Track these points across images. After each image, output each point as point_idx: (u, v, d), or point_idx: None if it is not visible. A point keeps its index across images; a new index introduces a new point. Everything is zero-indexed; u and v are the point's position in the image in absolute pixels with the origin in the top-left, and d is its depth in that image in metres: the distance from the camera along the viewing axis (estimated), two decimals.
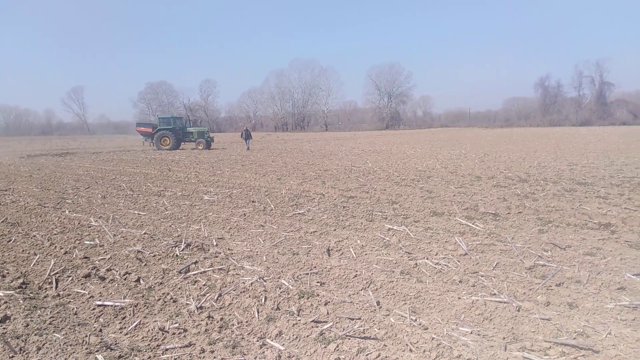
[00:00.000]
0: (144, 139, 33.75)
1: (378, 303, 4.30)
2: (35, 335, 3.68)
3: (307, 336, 3.68)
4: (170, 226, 7.57)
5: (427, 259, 5.53)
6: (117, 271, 5.27)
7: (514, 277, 4.87)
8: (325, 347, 3.49)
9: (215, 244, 6.39)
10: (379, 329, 3.78)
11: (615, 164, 15.43)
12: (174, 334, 3.76)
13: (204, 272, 5.24)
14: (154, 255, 5.86)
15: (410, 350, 3.42)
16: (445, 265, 5.31)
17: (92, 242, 6.52)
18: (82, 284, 4.92)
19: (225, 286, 4.79)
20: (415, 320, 3.92)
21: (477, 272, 5.07)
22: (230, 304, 4.37)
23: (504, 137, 42.76)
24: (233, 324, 3.93)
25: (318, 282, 4.90)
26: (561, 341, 3.44)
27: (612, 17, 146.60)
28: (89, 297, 4.54)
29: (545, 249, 5.84)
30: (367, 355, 3.34)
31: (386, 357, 3.33)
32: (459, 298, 4.34)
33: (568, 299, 4.28)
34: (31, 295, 4.63)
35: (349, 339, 3.61)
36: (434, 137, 49.72)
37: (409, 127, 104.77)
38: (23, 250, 6.23)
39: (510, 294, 4.44)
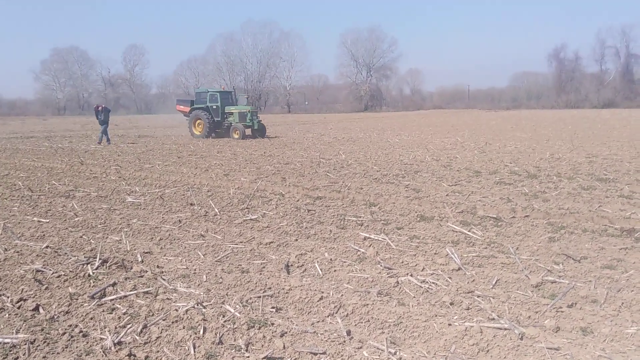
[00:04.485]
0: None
1: (348, 333, 4.34)
2: None
3: None
4: (81, 237, 7.42)
5: (411, 275, 5.62)
6: (8, 297, 5.12)
7: (517, 297, 5.02)
8: None
9: (140, 259, 6.31)
10: None
11: None
12: None
13: (125, 296, 5.16)
14: (59, 276, 5.72)
15: None
16: (433, 283, 5.41)
17: None
18: None
19: (153, 315, 4.73)
20: (395, 353, 3.98)
21: (472, 291, 5.19)
22: (158, 337, 4.31)
23: (510, 122, 43.85)
24: None
25: (273, 308, 4.90)
26: None
27: None
28: None
29: (556, 261, 6.04)
30: None
31: None
32: (450, 325, 4.44)
33: (581, 323, 4.43)
34: None
35: None
36: (425, 121, 50.49)
37: (394, 108, 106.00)
38: None
39: (512, 318, 4.56)
